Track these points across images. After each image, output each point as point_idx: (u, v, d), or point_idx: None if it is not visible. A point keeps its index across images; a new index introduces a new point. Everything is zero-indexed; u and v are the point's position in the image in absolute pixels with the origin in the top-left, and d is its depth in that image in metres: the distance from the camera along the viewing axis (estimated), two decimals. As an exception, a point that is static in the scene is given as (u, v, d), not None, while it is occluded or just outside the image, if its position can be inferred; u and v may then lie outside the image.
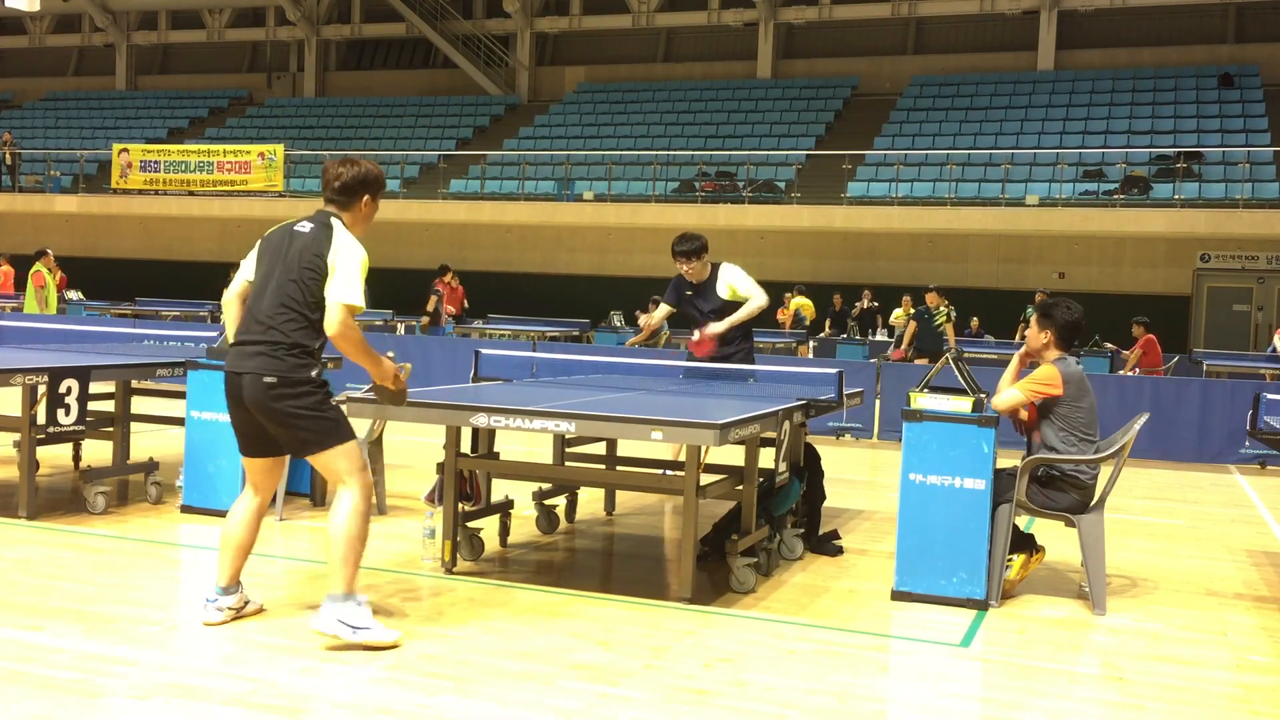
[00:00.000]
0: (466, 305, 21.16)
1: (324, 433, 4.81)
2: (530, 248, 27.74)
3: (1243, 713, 4.55)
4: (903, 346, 17.46)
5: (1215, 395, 12.27)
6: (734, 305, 8.00)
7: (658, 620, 5.37)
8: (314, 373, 4.81)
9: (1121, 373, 16.40)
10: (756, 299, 7.96)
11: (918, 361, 15.87)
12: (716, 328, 7.91)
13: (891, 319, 21.30)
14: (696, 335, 8.07)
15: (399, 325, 21.37)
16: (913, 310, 18.46)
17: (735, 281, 8.03)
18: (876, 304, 22.60)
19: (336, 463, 4.83)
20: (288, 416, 4.77)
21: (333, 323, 4.74)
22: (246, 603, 5.11)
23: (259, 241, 5.04)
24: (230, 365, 4.87)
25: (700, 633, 5.21)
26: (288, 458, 5.18)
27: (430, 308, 19.55)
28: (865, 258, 25.18)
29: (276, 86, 35.51)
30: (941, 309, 17.19)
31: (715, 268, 8.10)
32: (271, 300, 4.80)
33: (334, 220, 4.89)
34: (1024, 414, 6.20)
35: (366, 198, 4.98)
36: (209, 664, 4.53)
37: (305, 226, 4.90)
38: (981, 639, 5.34)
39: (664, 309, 8.47)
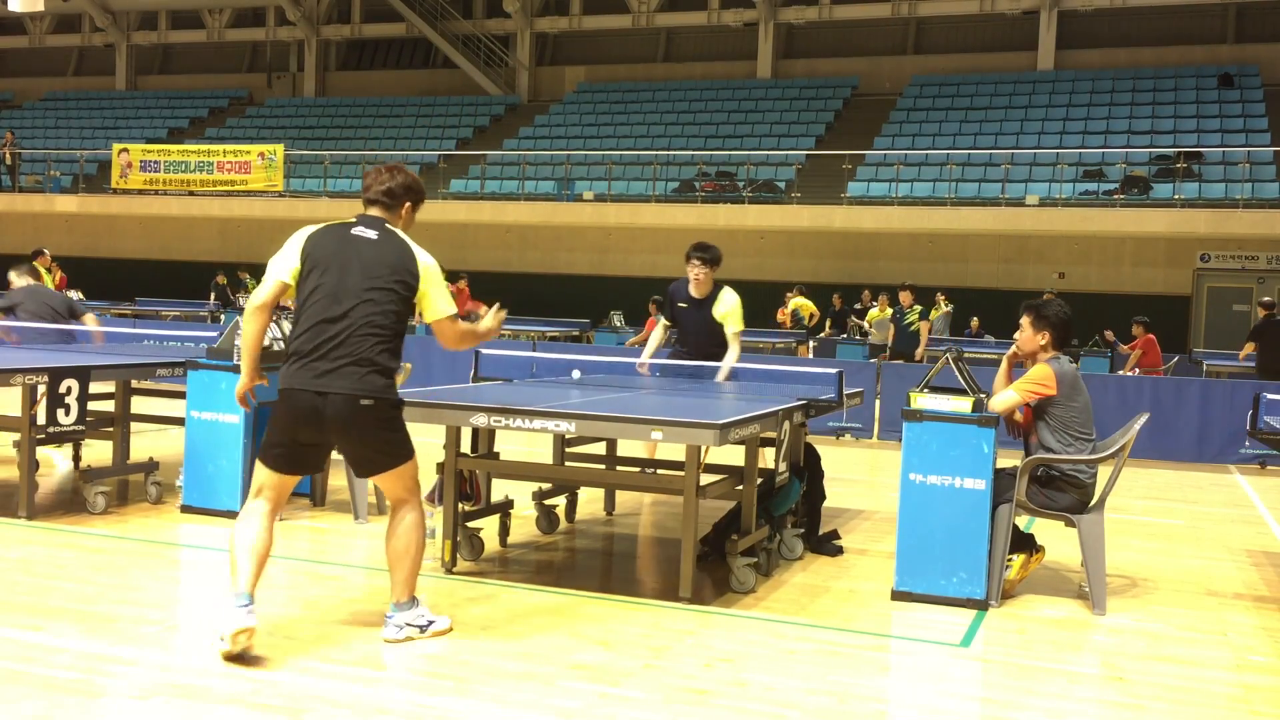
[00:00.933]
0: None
1: (403, 453, 4.86)
2: (530, 248, 27.74)
3: (1243, 713, 4.55)
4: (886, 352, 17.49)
5: (1215, 395, 12.27)
6: (720, 329, 8.18)
7: (658, 620, 5.37)
8: (399, 394, 4.86)
9: (1121, 372, 16.38)
10: (734, 349, 8.15)
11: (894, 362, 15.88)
12: (721, 378, 8.00)
13: (866, 319, 21.27)
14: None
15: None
16: (890, 310, 18.43)
17: (729, 314, 8.18)
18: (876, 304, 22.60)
19: (405, 479, 4.89)
20: (378, 439, 4.78)
21: (450, 338, 4.94)
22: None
23: (304, 242, 4.82)
24: (308, 383, 4.66)
25: (700, 633, 5.21)
26: None
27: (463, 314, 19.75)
28: (865, 258, 25.18)
29: (276, 86, 35.50)
30: (916, 308, 17.21)
31: (718, 287, 8.23)
32: (357, 316, 4.67)
33: (393, 229, 4.90)
34: (1018, 416, 6.21)
35: (408, 205, 5.00)
36: (209, 664, 4.53)
37: (369, 234, 4.82)
38: (981, 639, 5.34)
39: (661, 330, 8.68)
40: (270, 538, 4.78)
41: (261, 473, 4.83)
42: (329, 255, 4.77)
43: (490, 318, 5.13)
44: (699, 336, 8.30)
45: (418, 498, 4.95)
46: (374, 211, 4.94)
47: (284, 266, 4.82)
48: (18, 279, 9.76)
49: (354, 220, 4.90)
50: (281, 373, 4.77)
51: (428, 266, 4.84)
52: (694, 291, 8.23)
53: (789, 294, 21.73)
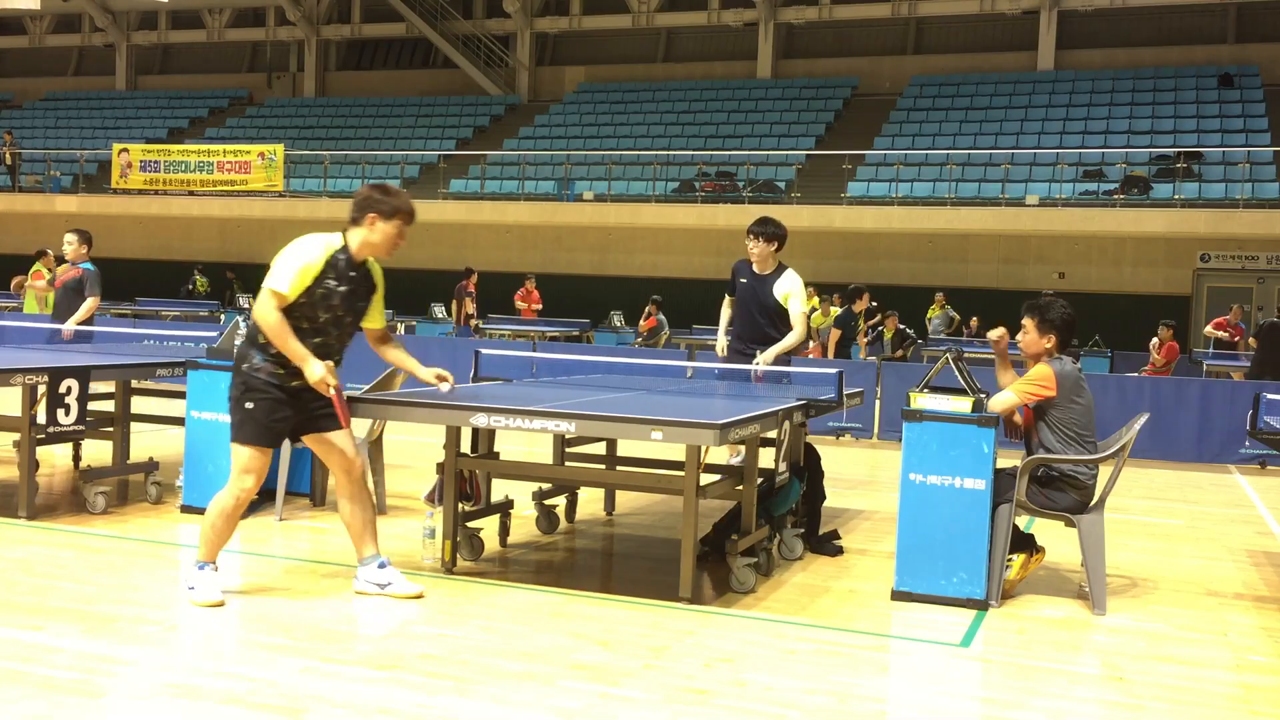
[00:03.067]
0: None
1: (232, 424, 5.38)
2: (530, 248, 27.73)
3: (1243, 713, 4.55)
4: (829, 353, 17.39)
5: (1215, 395, 12.27)
6: (782, 312, 7.96)
7: (658, 620, 5.37)
8: (245, 365, 5.32)
9: (1142, 371, 16.35)
10: (797, 331, 7.90)
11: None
12: (767, 357, 7.83)
13: (812, 320, 20.74)
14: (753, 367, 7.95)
15: (399, 325, 21.38)
16: (837, 312, 18.23)
17: (792, 294, 7.94)
18: (876, 304, 22.57)
19: (232, 456, 5.38)
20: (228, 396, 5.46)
21: (260, 308, 5.24)
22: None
23: None
24: None
25: (700, 633, 5.21)
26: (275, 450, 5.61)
27: (471, 309, 19.90)
28: (865, 258, 25.17)
29: (276, 86, 35.50)
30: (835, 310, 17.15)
31: (781, 268, 8.03)
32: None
33: (337, 234, 5.38)
34: (1018, 417, 6.21)
35: (370, 216, 5.31)
36: (209, 664, 4.53)
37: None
38: (981, 639, 5.34)
39: (727, 308, 8.34)
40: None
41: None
42: None
43: (321, 371, 5.27)
44: (754, 315, 8.01)
45: (235, 481, 5.32)
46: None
47: None
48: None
49: None
50: None
51: (287, 250, 5.30)
52: (756, 269, 8.00)
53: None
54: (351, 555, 5.70)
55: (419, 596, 5.47)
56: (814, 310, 19.01)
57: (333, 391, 5.27)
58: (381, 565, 5.55)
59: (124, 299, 25.18)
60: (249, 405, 5.31)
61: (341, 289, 5.31)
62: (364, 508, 5.57)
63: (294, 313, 5.23)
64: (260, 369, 5.30)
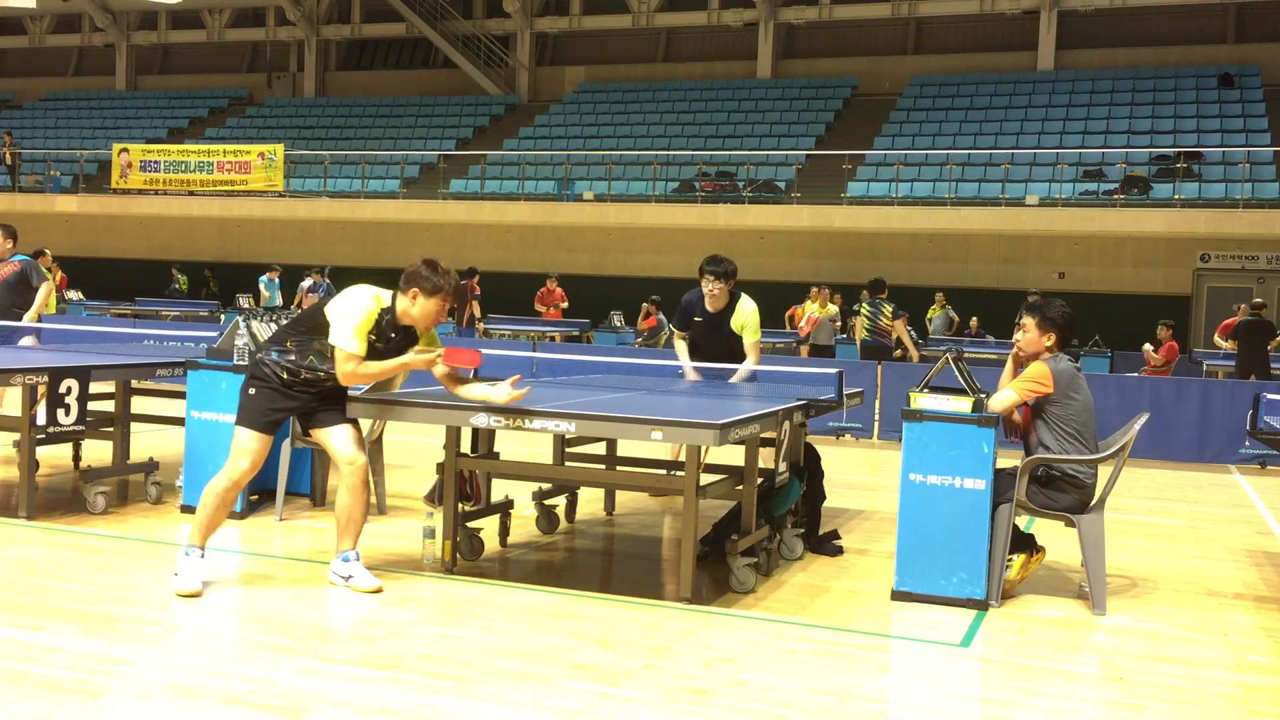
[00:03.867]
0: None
1: (239, 411, 5.63)
2: (530, 248, 27.73)
3: (1243, 713, 4.55)
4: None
5: (1215, 395, 12.27)
6: (737, 341, 8.13)
7: (658, 620, 5.37)
8: (260, 354, 5.66)
9: (1141, 371, 16.34)
10: (751, 360, 8.09)
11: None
12: (736, 381, 7.94)
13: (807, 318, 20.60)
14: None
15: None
16: (834, 310, 18.89)
17: (748, 323, 8.10)
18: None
19: (232, 441, 5.62)
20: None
21: (338, 365, 5.56)
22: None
23: None
24: None
25: (700, 633, 5.21)
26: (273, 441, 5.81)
27: (476, 311, 19.95)
28: (865, 258, 25.15)
29: (276, 86, 35.50)
30: (830, 308, 17.80)
31: (734, 298, 8.14)
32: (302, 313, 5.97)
33: (388, 292, 5.70)
34: (1017, 416, 6.21)
35: (415, 291, 5.58)
36: (209, 664, 4.53)
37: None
38: (981, 639, 5.34)
39: (679, 343, 8.55)
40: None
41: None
42: None
43: (425, 356, 5.66)
44: (716, 350, 8.17)
45: (230, 465, 5.55)
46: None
47: None
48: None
49: None
50: None
51: (333, 309, 5.58)
52: (710, 306, 8.14)
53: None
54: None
55: (377, 590, 5.56)
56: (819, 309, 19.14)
57: (436, 355, 5.68)
58: (346, 559, 5.67)
59: (124, 299, 25.19)
60: (251, 391, 5.59)
61: (379, 345, 5.59)
62: (355, 503, 5.66)
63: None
64: (270, 363, 5.57)
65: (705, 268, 8.10)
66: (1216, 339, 18.28)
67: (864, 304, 16.43)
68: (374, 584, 5.61)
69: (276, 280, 23.92)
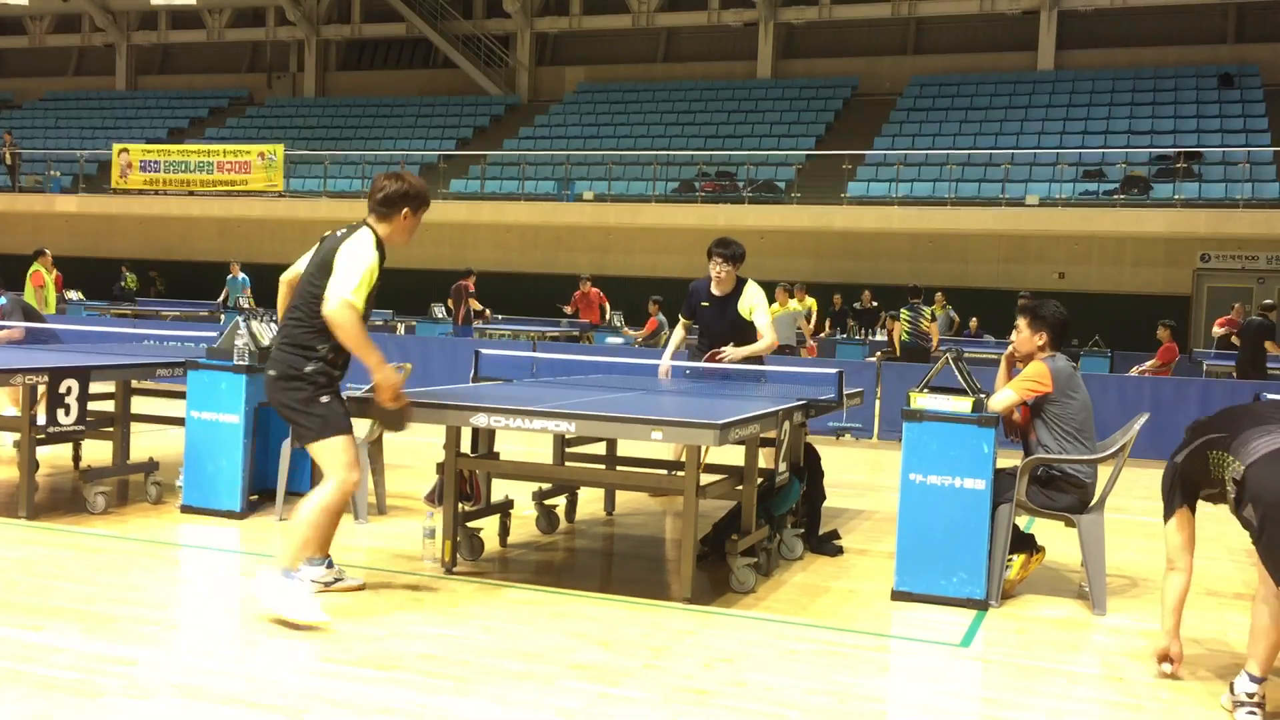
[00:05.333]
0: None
1: (312, 428, 5.16)
2: (530, 248, 27.74)
3: (1243, 713, 4.54)
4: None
5: (1215, 395, 12.26)
6: (749, 325, 7.99)
7: (658, 620, 5.37)
8: (309, 368, 5.15)
9: (1139, 370, 16.34)
10: (766, 338, 7.93)
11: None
12: (735, 354, 7.84)
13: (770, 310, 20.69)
14: (708, 355, 7.99)
15: (399, 325, 21.38)
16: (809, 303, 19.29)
17: (756, 306, 7.99)
18: (876, 304, 22.61)
19: (323, 457, 5.18)
20: (286, 409, 5.23)
21: (329, 314, 5.03)
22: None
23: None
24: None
25: (700, 633, 5.21)
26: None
27: (479, 307, 19.95)
28: (865, 258, 25.18)
29: (276, 86, 35.50)
30: (793, 304, 17.89)
31: (741, 283, 8.08)
32: (293, 300, 5.29)
33: (364, 228, 5.23)
34: (1016, 416, 6.21)
35: (406, 210, 5.27)
36: (209, 664, 4.53)
37: (341, 231, 5.25)
38: (981, 639, 5.34)
39: (681, 330, 8.50)
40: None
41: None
42: (314, 250, 5.35)
43: (395, 377, 5.28)
44: (722, 336, 8.07)
45: (337, 480, 5.12)
46: (370, 216, 5.30)
47: (297, 263, 5.51)
48: None
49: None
50: None
51: (347, 249, 5.13)
52: (716, 290, 8.07)
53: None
54: (352, 554, 5.71)
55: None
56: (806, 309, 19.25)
57: (405, 397, 5.37)
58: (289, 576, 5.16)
59: (124, 299, 25.19)
60: (325, 400, 5.16)
61: (378, 287, 5.31)
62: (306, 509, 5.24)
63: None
64: (321, 371, 5.16)
65: (713, 249, 8.02)
66: (1215, 329, 18.31)
67: (905, 309, 17.30)
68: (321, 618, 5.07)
69: (239, 278, 23.66)
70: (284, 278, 5.51)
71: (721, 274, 8.01)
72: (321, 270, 5.14)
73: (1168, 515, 4.76)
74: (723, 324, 8.09)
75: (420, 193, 5.31)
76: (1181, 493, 4.72)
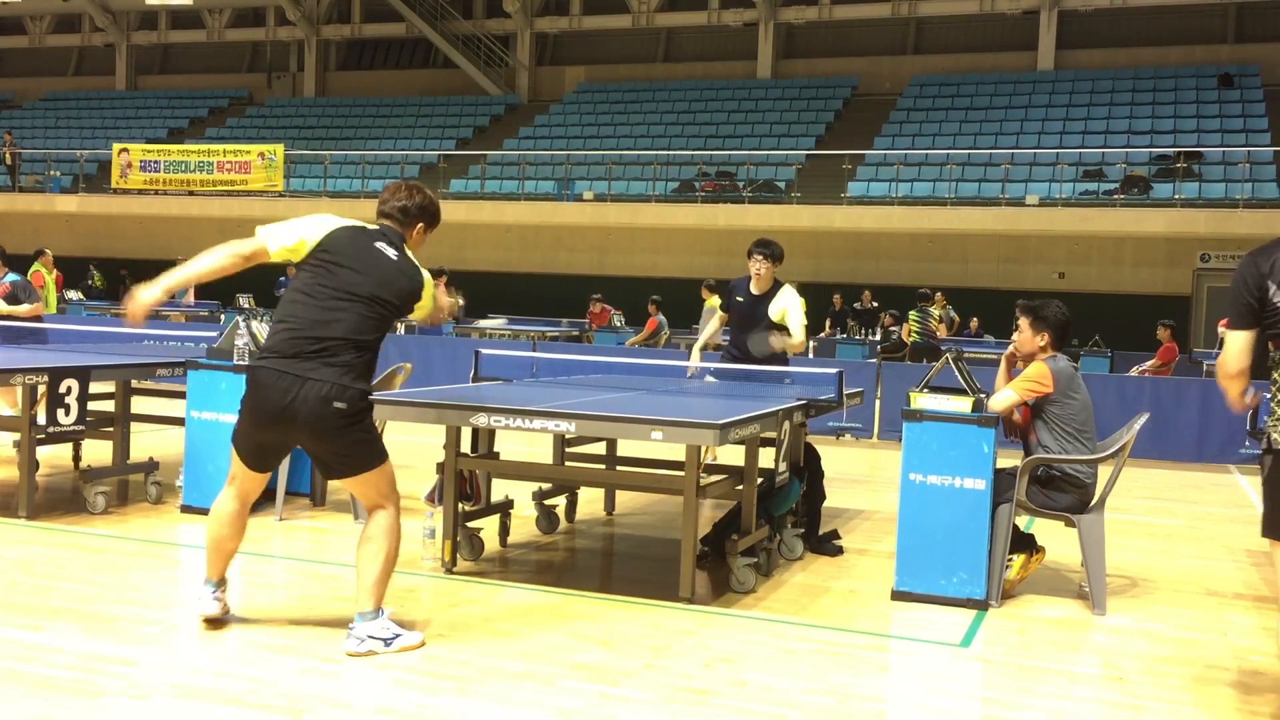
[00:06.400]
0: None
1: (374, 457, 4.83)
2: (530, 248, 27.73)
3: (1243, 713, 4.55)
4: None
5: (1215, 395, 12.23)
6: (779, 327, 8.04)
7: (658, 620, 5.37)
8: (360, 386, 4.73)
9: (1140, 370, 16.33)
10: (797, 337, 7.96)
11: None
12: (773, 341, 7.88)
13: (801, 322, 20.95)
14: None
15: (398, 325, 21.38)
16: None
17: (789, 310, 8.02)
18: (876, 304, 22.62)
19: (379, 484, 4.85)
20: (345, 442, 4.72)
21: (425, 314, 5.03)
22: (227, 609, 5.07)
23: (322, 235, 4.81)
24: (275, 379, 4.63)
25: (700, 633, 5.21)
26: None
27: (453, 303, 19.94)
28: (865, 258, 25.18)
29: (276, 86, 35.49)
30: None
31: (777, 285, 8.15)
32: (351, 322, 4.68)
33: (407, 249, 4.97)
34: (1016, 416, 6.21)
35: (421, 225, 5.05)
36: (209, 664, 4.53)
37: (389, 251, 4.85)
38: (981, 639, 5.34)
39: (716, 320, 8.61)
40: (234, 529, 4.91)
41: (234, 461, 4.89)
42: (348, 257, 4.78)
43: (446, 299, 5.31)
44: (751, 333, 8.16)
45: (394, 503, 4.88)
46: (390, 223, 5.00)
47: (278, 240, 4.83)
48: None
49: (375, 229, 4.95)
50: (256, 364, 4.77)
51: (418, 273, 4.96)
52: (754, 288, 8.18)
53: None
54: (352, 554, 5.66)
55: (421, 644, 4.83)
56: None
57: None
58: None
59: (124, 299, 25.16)
60: (368, 422, 4.82)
61: None
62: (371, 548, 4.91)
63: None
64: (363, 385, 4.76)
65: (754, 248, 8.15)
66: (1220, 329, 18.23)
67: (914, 311, 18.10)
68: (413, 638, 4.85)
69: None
70: (242, 255, 4.80)
71: (761, 271, 8.09)
72: (397, 304, 4.83)
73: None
74: (753, 321, 8.16)
75: (438, 211, 5.11)
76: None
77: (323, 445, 4.75)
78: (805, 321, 8.05)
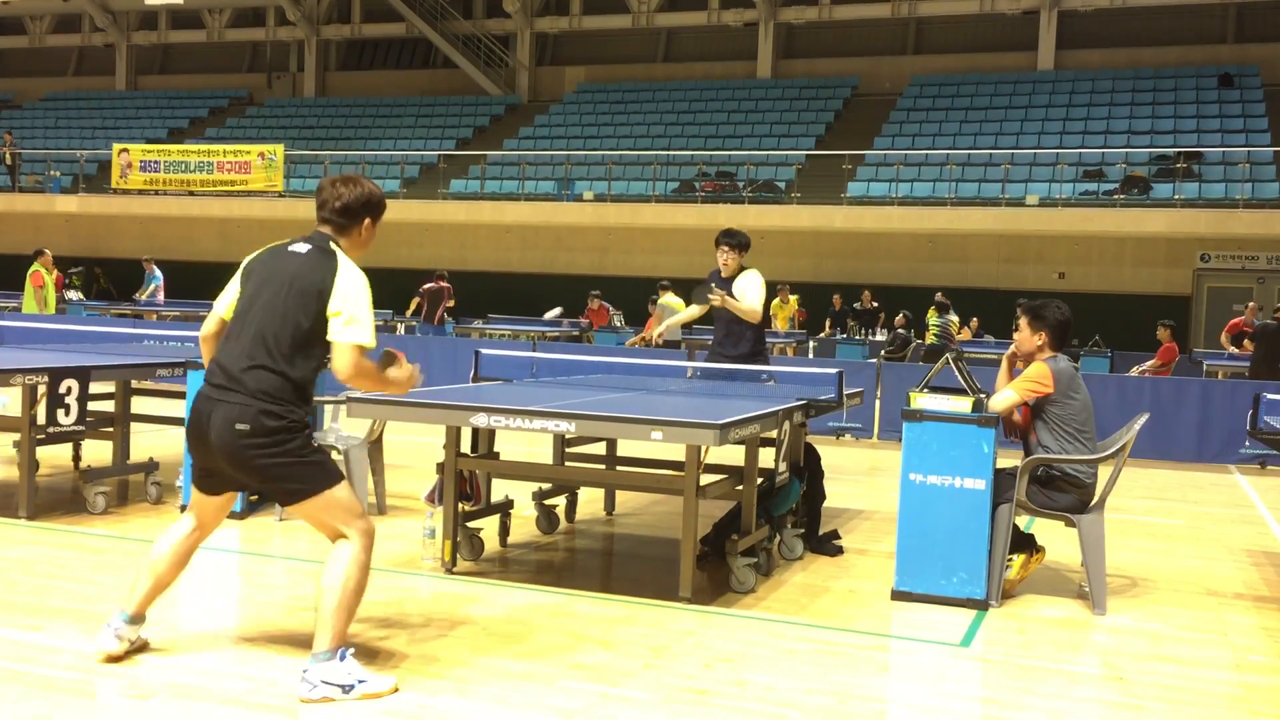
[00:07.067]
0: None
1: (309, 479, 4.31)
2: (530, 248, 27.73)
3: (1243, 713, 4.55)
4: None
5: (1215, 395, 12.27)
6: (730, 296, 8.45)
7: (658, 620, 5.37)
8: (294, 418, 4.28)
9: (1140, 370, 16.32)
10: (745, 303, 8.36)
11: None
12: (711, 297, 8.34)
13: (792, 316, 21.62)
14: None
15: (399, 326, 21.39)
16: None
17: (747, 289, 8.45)
18: (876, 304, 22.62)
19: (329, 509, 4.32)
20: (268, 469, 4.27)
21: (344, 365, 4.25)
22: (144, 643, 4.60)
23: (241, 268, 4.50)
24: (198, 402, 4.34)
25: (700, 633, 5.21)
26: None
27: (452, 304, 20.00)
28: (865, 258, 25.17)
29: (276, 86, 35.49)
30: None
31: (742, 270, 8.58)
32: (255, 336, 4.28)
33: (333, 246, 4.41)
34: (1016, 416, 6.21)
35: (368, 221, 4.49)
36: (209, 664, 4.53)
37: (301, 248, 4.40)
38: (981, 639, 5.34)
39: (695, 309, 8.99)
40: (180, 564, 4.52)
41: (193, 488, 4.57)
42: (255, 277, 4.41)
43: (409, 370, 4.55)
44: (722, 316, 8.58)
45: (358, 528, 4.33)
46: (326, 228, 4.47)
47: (223, 299, 4.52)
48: None
49: (297, 238, 4.50)
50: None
51: (345, 282, 4.30)
52: (724, 274, 8.60)
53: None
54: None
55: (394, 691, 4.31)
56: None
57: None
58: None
59: (124, 299, 25.18)
60: (317, 450, 4.37)
61: None
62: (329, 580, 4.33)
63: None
64: (305, 413, 4.39)
65: (720, 239, 8.61)
66: (1223, 339, 18.21)
67: (935, 318, 18.82)
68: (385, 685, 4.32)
69: (152, 273, 22.84)
70: (209, 333, 4.55)
71: (727, 260, 8.52)
72: (302, 302, 4.27)
73: None
74: (718, 297, 8.55)
75: (381, 199, 4.55)
76: None
77: (245, 475, 4.36)
78: (761, 295, 8.52)
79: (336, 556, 4.31)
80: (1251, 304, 18.22)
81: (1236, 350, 17.36)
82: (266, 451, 4.24)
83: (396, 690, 4.26)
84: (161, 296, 22.57)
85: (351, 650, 4.29)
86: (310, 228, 4.56)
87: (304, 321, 4.27)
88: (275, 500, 4.49)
